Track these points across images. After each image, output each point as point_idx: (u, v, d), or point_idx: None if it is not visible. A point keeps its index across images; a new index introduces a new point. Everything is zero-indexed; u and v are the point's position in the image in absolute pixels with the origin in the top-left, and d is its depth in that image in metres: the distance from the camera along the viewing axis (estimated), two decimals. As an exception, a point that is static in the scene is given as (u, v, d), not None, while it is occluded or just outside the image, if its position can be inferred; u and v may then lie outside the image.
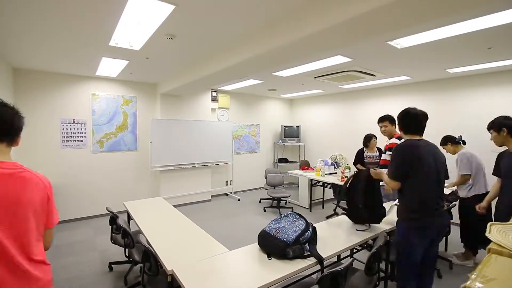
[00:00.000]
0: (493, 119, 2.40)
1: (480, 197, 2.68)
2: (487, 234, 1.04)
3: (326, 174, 4.94)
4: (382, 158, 3.35)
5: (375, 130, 4.39)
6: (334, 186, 4.58)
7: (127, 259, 2.64)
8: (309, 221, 1.88)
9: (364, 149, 4.13)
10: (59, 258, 3.14)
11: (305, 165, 5.82)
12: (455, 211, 2.97)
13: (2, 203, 0.97)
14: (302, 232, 1.76)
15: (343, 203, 4.07)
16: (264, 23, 2.32)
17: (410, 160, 1.82)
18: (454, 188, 3.12)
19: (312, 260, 1.71)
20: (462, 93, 4.29)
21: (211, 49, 3.04)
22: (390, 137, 3.30)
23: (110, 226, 2.69)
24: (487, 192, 2.66)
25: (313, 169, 5.25)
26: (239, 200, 5.88)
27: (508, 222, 1.20)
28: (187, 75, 3.99)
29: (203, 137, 5.57)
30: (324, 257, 1.74)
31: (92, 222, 4.36)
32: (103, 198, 4.61)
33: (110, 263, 2.94)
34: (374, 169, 2.20)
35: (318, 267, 1.70)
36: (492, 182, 2.58)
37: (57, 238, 3.75)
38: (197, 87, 4.53)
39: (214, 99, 6.00)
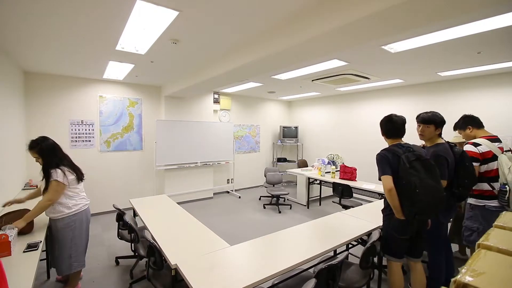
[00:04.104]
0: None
1: None
2: None
3: (325, 172, 5.03)
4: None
5: (371, 130, 4.38)
6: (335, 185, 4.65)
7: (133, 254, 2.75)
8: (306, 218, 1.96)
9: None
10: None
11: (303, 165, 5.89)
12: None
13: None
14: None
15: (344, 201, 4.18)
16: (264, 29, 2.40)
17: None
18: None
19: (309, 254, 1.80)
20: (454, 95, 4.38)
21: (213, 53, 3.13)
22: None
23: (117, 222, 2.79)
24: None
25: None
26: (239, 197, 5.99)
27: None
28: (190, 78, 4.09)
29: (206, 138, 5.69)
30: (321, 251, 1.84)
31: (100, 218, 4.50)
32: (110, 195, 4.76)
33: (117, 258, 3.04)
34: None
35: (316, 261, 1.78)
36: None
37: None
38: (200, 89, 4.61)
39: (216, 101, 6.11)
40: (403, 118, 2.07)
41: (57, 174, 2.16)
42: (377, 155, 2.00)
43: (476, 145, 2.35)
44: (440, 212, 2.13)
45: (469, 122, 2.53)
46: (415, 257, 2.08)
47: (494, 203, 2.25)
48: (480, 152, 2.31)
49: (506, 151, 2.35)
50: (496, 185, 2.26)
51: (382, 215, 2.16)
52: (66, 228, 2.23)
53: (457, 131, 2.68)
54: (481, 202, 2.31)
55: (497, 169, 2.26)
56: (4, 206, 2.29)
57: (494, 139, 2.39)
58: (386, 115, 2.13)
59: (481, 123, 2.52)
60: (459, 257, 3.06)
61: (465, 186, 2.18)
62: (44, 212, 2.22)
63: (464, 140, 2.65)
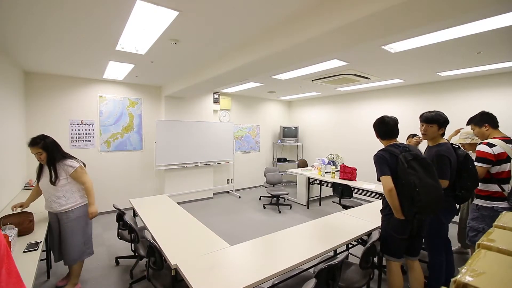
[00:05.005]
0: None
1: None
2: None
3: (325, 172, 5.04)
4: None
5: (371, 130, 4.34)
6: (335, 185, 4.65)
7: (133, 254, 2.76)
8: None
9: None
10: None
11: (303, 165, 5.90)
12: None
13: None
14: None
15: (344, 201, 4.19)
16: (264, 29, 2.40)
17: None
18: None
19: (309, 254, 1.80)
20: (454, 95, 4.38)
21: (213, 53, 3.13)
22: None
23: (117, 222, 2.79)
24: None
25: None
26: (240, 197, 5.99)
27: None
28: (190, 78, 4.10)
29: (206, 138, 5.70)
30: (321, 251, 1.84)
31: (100, 218, 4.48)
32: (110, 195, 4.76)
33: (117, 258, 3.05)
34: None
35: (316, 261, 1.78)
36: None
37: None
38: (200, 89, 4.61)
39: (216, 101, 6.12)
40: (395, 118, 2.10)
41: (73, 163, 2.34)
42: (374, 156, 2.01)
43: (490, 145, 2.28)
44: (441, 212, 2.13)
45: (487, 120, 2.45)
46: (413, 256, 2.09)
47: (503, 204, 2.22)
48: (495, 153, 2.25)
49: None
50: (506, 187, 2.22)
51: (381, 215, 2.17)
52: (81, 216, 2.38)
53: (470, 126, 2.59)
54: (489, 203, 2.27)
55: (509, 171, 2.21)
56: (13, 209, 2.36)
57: (508, 140, 2.33)
58: (378, 117, 2.15)
59: (498, 123, 2.45)
60: (462, 251, 3.05)
61: (468, 188, 2.17)
62: (48, 208, 2.34)
63: (474, 140, 2.59)
